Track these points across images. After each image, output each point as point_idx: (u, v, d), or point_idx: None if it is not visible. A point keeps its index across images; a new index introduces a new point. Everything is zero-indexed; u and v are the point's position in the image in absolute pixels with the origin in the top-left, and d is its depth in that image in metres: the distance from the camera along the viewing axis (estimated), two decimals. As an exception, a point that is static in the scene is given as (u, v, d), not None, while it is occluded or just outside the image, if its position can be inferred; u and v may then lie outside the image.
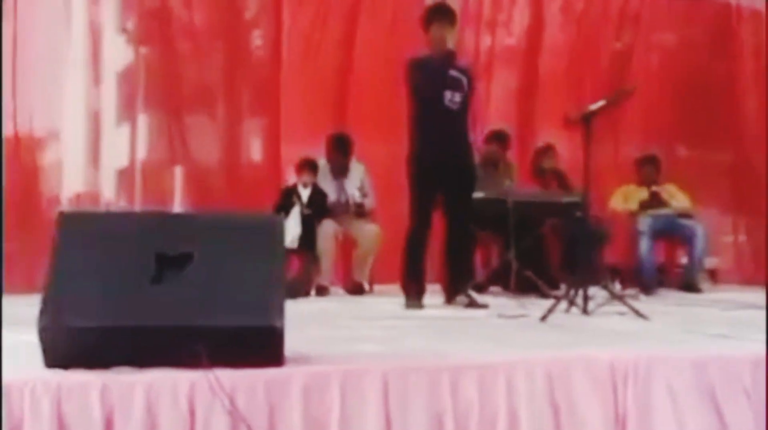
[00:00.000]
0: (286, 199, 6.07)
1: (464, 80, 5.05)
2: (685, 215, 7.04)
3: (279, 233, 2.45)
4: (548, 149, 6.93)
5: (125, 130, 6.85)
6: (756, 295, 6.33)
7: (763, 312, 4.95)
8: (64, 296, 2.23)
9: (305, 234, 5.95)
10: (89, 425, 2.07)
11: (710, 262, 7.69)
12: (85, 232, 2.37)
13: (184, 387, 2.15)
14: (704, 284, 6.96)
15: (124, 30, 6.81)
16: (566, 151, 6.70)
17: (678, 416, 2.53)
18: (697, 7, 8.23)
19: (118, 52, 6.82)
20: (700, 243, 6.82)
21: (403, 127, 5.11)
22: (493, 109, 6.98)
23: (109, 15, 6.69)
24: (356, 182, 6.48)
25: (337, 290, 6.23)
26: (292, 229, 5.90)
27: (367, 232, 6.28)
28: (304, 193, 6.11)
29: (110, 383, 2.12)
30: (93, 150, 6.85)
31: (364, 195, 6.47)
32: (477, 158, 5.47)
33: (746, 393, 2.60)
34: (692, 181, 7.58)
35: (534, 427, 2.40)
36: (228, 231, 2.39)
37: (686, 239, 6.93)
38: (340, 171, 6.46)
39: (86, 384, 2.11)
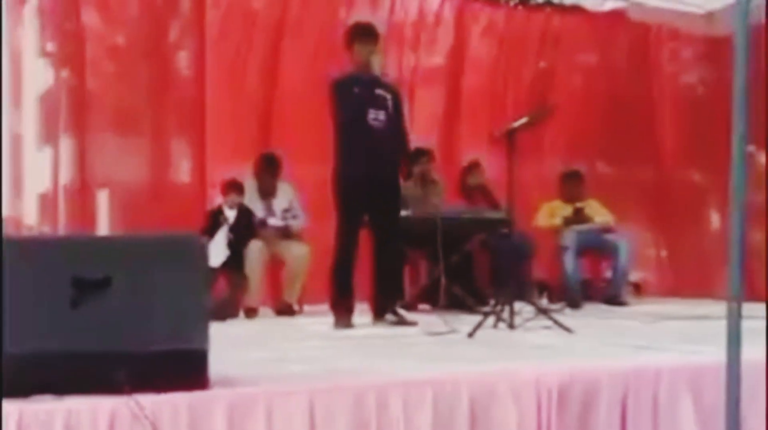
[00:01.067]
0: (213, 221, 6.02)
1: (389, 98, 5.09)
2: (609, 230, 7.19)
3: (201, 253, 2.43)
4: (475, 166, 7.01)
5: (47, 153, 6.71)
6: (677, 306, 6.50)
7: (683, 322, 5.11)
8: (-22, 324, 2.17)
9: (232, 255, 5.91)
10: (6, 456, 2.02)
11: (634, 275, 7.86)
12: None
13: (104, 415, 2.11)
14: (628, 297, 7.10)
15: (44, 53, 6.69)
16: (492, 167, 6.77)
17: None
18: (617, 28, 8.44)
19: (39, 75, 6.69)
20: (623, 257, 6.97)
21: (331, 146, 5.12)
22: (419, 127, 7.02)
23: (30, 38, 6.56)
24: (284, 203, 6.45)
25: (267, 311, 6.18)
26: (220, 250, 5.86)
27: (296, 252, 6.25)
28: (230, 215, 6.08)
29: (28, 413, 2.07)
30: (14, 174, 6.69)
31: (293, 216, 6.45)
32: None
33: (663, 403, 2.66)
34: (614, 197, 7.75)
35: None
36: (148, 253, 2.35)
37: (610, 254, 7.07)
38: (268, 191, 6.43)
39: (3, 415, 2.05)
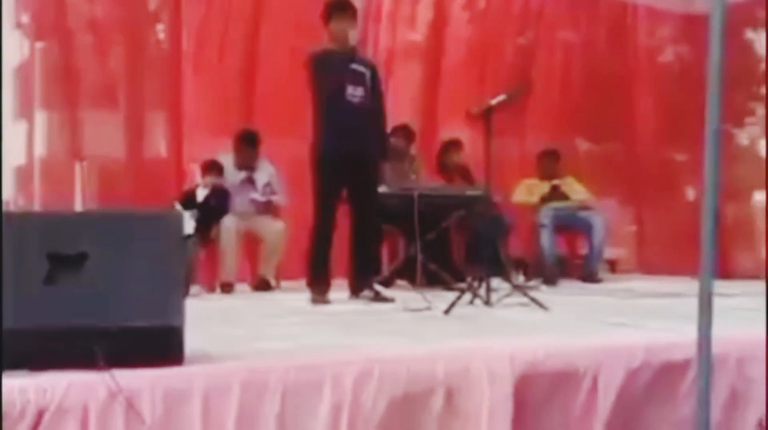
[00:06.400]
0: (185, 202, 5.98)
1: (367, 74, 5.07)
2: (585, 207, 7.23)
3: (177, 229, 2.42)
4: (454, 145, 7.02)
5: (22, 126, 6.65)
6: (652, 283, 6.56)
7: (657, 299, 5.17)
8: (-48, 299, 2.16)
9: (196, 233, 5.88)
10: (-21, 431, 2.02)
11: (611, 252, 7.92)
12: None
13: (79, 390, 2.11)
14: (604, 274, 7.16)
15: (19, 24, 6.61)
16: (471, 145, 6.79)
17: (572, 407, 2.61)
18: (596, 5, 8.45)
19: (14, 47, 6.61)
20: (598, 234, 7.02)
21: (309, 122, 5.11)
22: (397, 103, 7.01)
23: (4, 9, 6.47)
24: (264, 179, 6.44)
25: (243, 287, 6.18)
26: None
27: (273, 228, 6.25)
28: (201, 195, 6.06)
29: (2, 388, 2.06)
30: (-11, 147, 6.63)
31: (273, 192, 6.44)
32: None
33: (636, 379, 2.69)
34: (592, 173, 7.80)
35: (432, 419, 2.44)
36: (124, 229, 2.34)
37: (586, 231, 7.12)
38: (248, 167, 6.41)
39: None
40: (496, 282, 4.57)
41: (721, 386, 2.74)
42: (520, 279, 6.48)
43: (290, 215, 6.41)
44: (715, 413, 2.59)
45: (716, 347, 2.27)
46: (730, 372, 2.82)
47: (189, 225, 5.91)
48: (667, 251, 8.13)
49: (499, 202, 6.37)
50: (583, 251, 7.35)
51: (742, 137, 8.35)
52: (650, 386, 2.71)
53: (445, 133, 7.40)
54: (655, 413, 2.72)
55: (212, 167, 6.16)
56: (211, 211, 6.01)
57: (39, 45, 6.67)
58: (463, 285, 4.94)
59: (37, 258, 2.24)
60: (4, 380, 2.09)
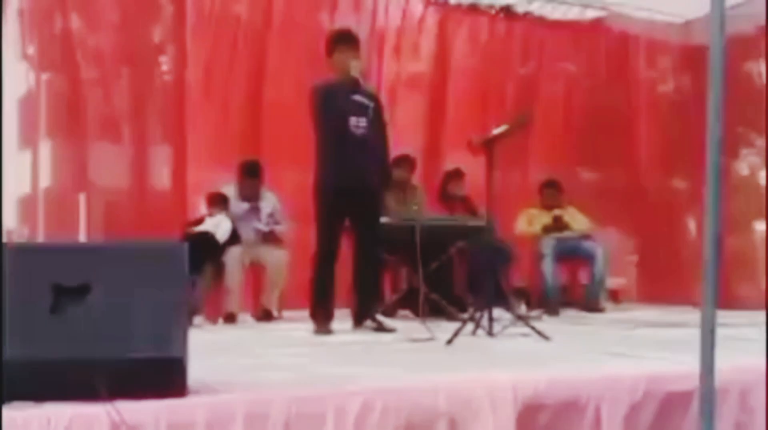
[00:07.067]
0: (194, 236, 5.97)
1: (370, 105, 5.09)
2: (586, 237, 7.24)
3: (181, 261, 2.43)
4: (456, 173, 7.04)
5: (27, 157, 6.68)
6: (654, 313, 6.56)
7: (659, 330, 5.16)
8: (-43, 331, 2.17)
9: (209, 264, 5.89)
10: (-17, 463, 2.02)
11: (613, 282, 7.92)
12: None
13: (83, 421, 2.11)
14: (606, 304, 7.16)
15: (25, 56, 6.66)
16: (473, 175, 6.80)
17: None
18: (597, 36, 8.52)
19: (19, 78, 6.66)
20: (600, 264, 7.02)
21: (312, 153, 5.13)
22: (400, 134, 7.04)
23: (10, 40, 6.54)
24: (268, 209, 6.46)
25: (246, 317, 6.18)
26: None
27: (276, 257, 6.26)
28: (209, 225, 6.05)
29: (6, 420, 2.07)
30: (-7, 177, 6.66)
31: (276, 222, 6.46)
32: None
33: (639, 411, 2.69)
34: (593, 203, 7.82)
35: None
36: (129, 260, 2.36)
37: (587, 261, 7.12)
38: (251, 197, 6.43)
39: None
40: (498, 312, 4.57)
41: (723, 418, 2.73)
42: (522, 309, 6.47)
43: (294, 244, 6.42)
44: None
45: (719, 378, 2.27)
46: (733, 403, 2.81)
47: (226, 228, 5.93)
48: (669, 280, 8.13)
49: (500, 233, 6.37)
50: (585, 280, 7.35)
51: (742, 168, 8.37)
52: (653, 417, 2.71)
53: (448, 164, 7.43)
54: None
55: (218, 200, 6.18)
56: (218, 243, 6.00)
57: (45, 76, 6.72)
58: (465, 315, 4.94)
59: (41, 289, 2.26)
60: (8, 412, 2.09)
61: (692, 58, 7.98)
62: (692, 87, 8.26)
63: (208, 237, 5.92)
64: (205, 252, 5.80)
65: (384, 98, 5.86)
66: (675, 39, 8.51)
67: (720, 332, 2.24)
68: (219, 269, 5.97)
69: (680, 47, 8.50)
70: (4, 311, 2.20)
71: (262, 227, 6.37)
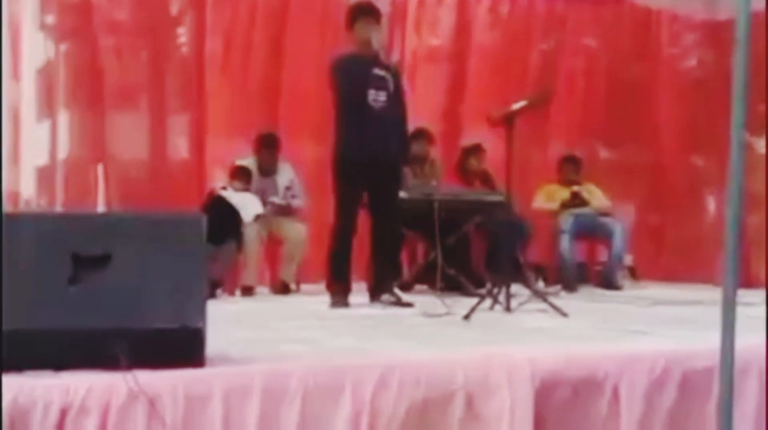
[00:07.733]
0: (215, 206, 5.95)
1: (390, 79, 5.05)
2: (605, 213, 7.20)
3: (200, 232, 2.42)
4: (475, 148, 6.99)
5: (45, 127, 6.70)
6: (673, 291, 6.52)
7: (677, 307, 5.14)
8: (-23, 299, 2.18)
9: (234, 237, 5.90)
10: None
11: (630, 259, 7.87)
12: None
13: (102, 390, 2.13)
14: (624, 281, 7.12)
15: (43, 25, 6.66)
16: (493, 150, 6.76)
17: (594, 414, 2.60)
18: (619, 11, 8.41)
19: (38, 48, 6.66)
20: (618, 241, 6.98)
21: (330, 126, 5.12)
22: (420, 108, 6.99)
23: (28, 10, 6.53)
24: (285, 181, 6.45)
25: (263, 290, 6.20)
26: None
27: (294, 231, 6.26)
28: (232, 197, 6.05)
29: (25, 388, 2.08)
30: (12, 147, 6.68)
31: (293, 195, 6.46)
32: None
33: (657, 388, 2.68)
34: (613, 180, 7.76)
35: (451, 425, 2.44)
36: (148, 231, 2.36)
37: (606, 237, 7.08)
38: (268, 169, 6.43)
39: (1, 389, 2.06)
40: (515, 288, 4.56)
41: (746, 396, 2.72)
42: (540, 285, 6.46)
43: (311, 217, 6.42)
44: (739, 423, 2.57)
45: (739, 356, 2.25)
46: (754, 381, 2.79)
47: (252, 212, 5.93)
48: (688, 258, 8.07)
49: (518, 208, 6.35)
50: (603, 257, 7.31)
51: (763, 146, 8.27)
52: (675, 394, 2.69)
53: (468, 138, 7.38)
54: (678, 421, 2.70)
55: (241, 173, 6.17)
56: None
57: (63, 46, 6.71)
58: (482, 291, 4.93)
59: (60, 259, 2.26)
60: (27, 380, 2.11)
61: (716, 34, 7.87)
62: (716, 63, 8.15)
63: (233, 212, 5.92)
64: (228, 226, 5.80)
65: (404, 72, 5.82)
66: (699, 14, 8.38)
67: (739, 311, 2.22)
68: (240, 244, 5.97)
69: (704, 23, 8.38)
70: (2, 282, 2.20)
71: (279, 200, 6.36)
